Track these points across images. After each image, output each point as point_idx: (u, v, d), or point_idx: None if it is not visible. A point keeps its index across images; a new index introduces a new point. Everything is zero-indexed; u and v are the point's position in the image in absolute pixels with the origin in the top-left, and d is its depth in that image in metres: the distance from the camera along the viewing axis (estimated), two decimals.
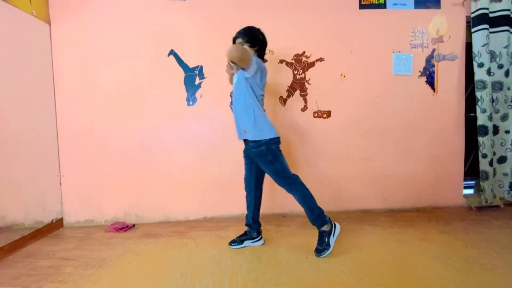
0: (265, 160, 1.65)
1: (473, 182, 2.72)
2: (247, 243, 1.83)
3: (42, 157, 2.19)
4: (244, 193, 1.89)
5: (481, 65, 2.39)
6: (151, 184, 2.35)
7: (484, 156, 2.45)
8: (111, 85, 2.30)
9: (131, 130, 2.33)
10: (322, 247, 1.65)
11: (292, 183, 1.68)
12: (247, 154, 1.79)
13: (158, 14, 2.29)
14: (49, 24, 2.21)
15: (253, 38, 1.72)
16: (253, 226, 1.84)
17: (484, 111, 2.42)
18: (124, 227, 2.20)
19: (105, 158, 2.32)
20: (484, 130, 2.43)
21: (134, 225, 2.29)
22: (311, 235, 1.96)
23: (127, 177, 2.34)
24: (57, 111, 2.28)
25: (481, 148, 2.46)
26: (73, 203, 2.32)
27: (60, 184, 2.30)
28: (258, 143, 1.63)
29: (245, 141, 1.73)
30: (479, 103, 2.42)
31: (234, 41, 1.74)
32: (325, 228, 1.67)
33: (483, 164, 2.47)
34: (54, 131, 2.27)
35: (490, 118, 2.43)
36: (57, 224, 2.26)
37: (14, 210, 2.10)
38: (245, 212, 1.89)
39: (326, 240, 1.65)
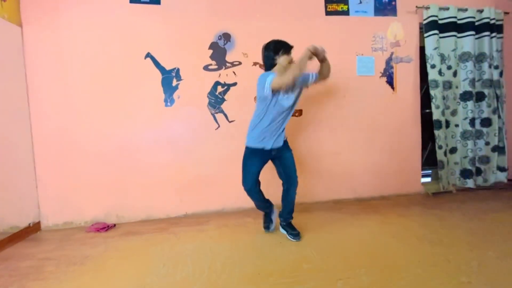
0: None
1: (430, 171, 3.04)
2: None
3: (17, 161, 2.16)
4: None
5: (433, 66, 2.69)
6: (131, 184, 2.40)
7: (440, 147, 2.75)
8: (87, 87, 2.32)
9: (109, 131, 2.37)
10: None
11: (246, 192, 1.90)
12: None
13: (133, 17, 2.35)
14: (21, 27, 2.20)
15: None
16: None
17: (438, 107, 2.72)
18: (105, 227, 2.23)
19: (83, 159, 2.34)
20: (438, 124, 2.73)
21: (115, 225, 2.33)
22: None
23: (107, 178, 2.37)
24: (31, 114, 2.26)
25: (437, 140, 2.76)
26: (50, 206, 2.31)
27: (37, 187, 2.29)
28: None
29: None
30: (434, 100, 2.72)
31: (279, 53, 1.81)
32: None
33: (440, 155, 2.76)
34: (29, 134, 2.26)
35: (443, 113, 2.73)
36: (34, 228, 2.24)
37: None
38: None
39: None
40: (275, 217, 2.02)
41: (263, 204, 1.97)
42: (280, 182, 1.96)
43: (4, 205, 2.07)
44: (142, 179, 2.42)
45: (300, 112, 2.63)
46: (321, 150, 2.68)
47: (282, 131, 1.86)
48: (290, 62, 1.80)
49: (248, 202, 2.43)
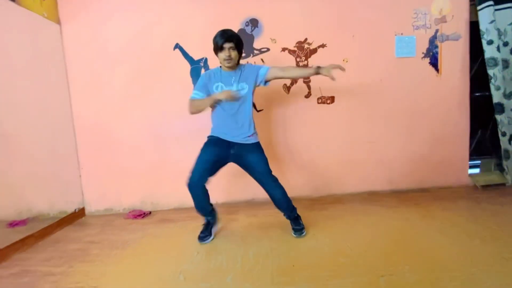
0: None
1: (479, 161, 2.75)
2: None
3: (62, 151, 2.33)
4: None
5: (490, 42, 2.37)
6: (165, 173, 2.48)
7: (504, 134, 2.45)
8: (121, 81, 2.41)
9: (143, 123, 2.45)
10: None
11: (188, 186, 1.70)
12: None
13: (163, 9, 2.36)
14: (59, 24, 2.31)
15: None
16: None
17: (498, 88, 2.40)
18: (142, 214, 2.34)
19: (120, 150, 2.45)
20: (500, 108, 2.42)
21: (150, 212, 2.43)
22: (316, 216, 2.07)
23: (142, 168, 2.47)
24: (73, 107, 2.40)
25: (499, 127, 2.46)
26: (93, 193, 2.47)
27: (80, 176, 2.45)
28: None
29: None
30: (493, 80, 2.40)
31: (226, 44, 1.63)
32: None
33: (504, 143, 2.46)
34: (71, 127, 2.41)
35: (505, 95, 2.41)
36: (80, 213, 2.42)
37: (39, 203, 2.24)
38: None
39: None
40: (215, 231, 1.84)
41: (205, 207, 1.76)
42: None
43: (54, 192, 2.26)
44: (174, 168, 2.47)
45: (332, 99, 2.49)
46: (354, 138, 2.53)
47: (244, 125, 1.71)
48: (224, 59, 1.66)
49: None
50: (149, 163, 2.46)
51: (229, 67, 1.70)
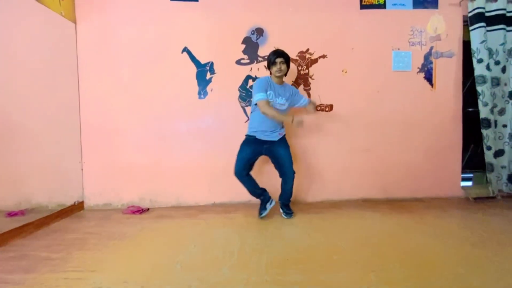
0: None
1: (471, 174, 2.82)
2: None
3: (66, 146, 2.38)
4: None
5: (480, 60, 2.50)
6: (165, 171, 2.53)
7: (489, 148, 2.54)
8: (130, 80, 2.50)
9: (147, 121, 2.52)
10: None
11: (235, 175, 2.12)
12: None
13: (173, 14, 2.49)
14: (75, 23, 2.43)
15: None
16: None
17: (485, 104, 2.51)
18: (140, 210, 2.37)
19: (122, 147, 2.51)
20: (487, 123, 2.53)
21: (148, 209, 2.46)
22: (312, 218, 2.12)
23: (143, 165, 2.52)
24: (81, 103, 2.48)
25: (485, 141, 2.55)
26: (93, 187, 2.51)
27: (82, 170, 2.50)
28: None
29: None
30: (481, 97, 2.52)
31: (277, 59, 2.03)
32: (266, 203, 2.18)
33: (488, 156, 2.55)
34: (78, 121, 2.48)
35: (492, 111, 2.52)
36: (79, 206, 2.45)
37: (39, 194, 2.27)
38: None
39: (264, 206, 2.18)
40: (270, 207, 2.17)
41: (254, 191, 2.16)
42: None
43: (54, 185, 2.29)
44: (175, 167, 2.53)
45: (330, 107, 2.58)
46: (351, 146, 2.61)
47: (277, 128, 2.12)
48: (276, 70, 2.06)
49: (274, 196, 2.46)
50: (150, 161, 2.52)
51: (278, 77, 2.08)
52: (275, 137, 2.11)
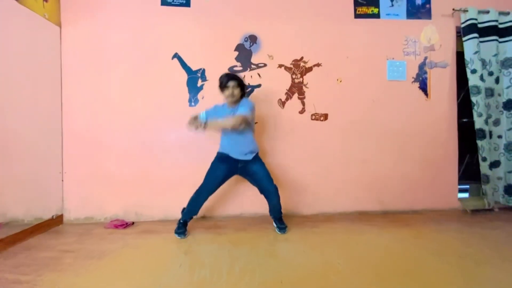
0: None
1: (468, 186, 2.77)
2: None
3: (46, 154, 2.23)
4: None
5: (474, 71, 2.49)
6: (151, 183, 2.39)
7: (484, 159, 2.50)
8: (116, 86, 2.39)
9: (134, 130, 2.40)
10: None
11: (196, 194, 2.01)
12: None
13: (163, 19, 2.41)
14: (60, 27, 2.33)
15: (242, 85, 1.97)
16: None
17: (480, 115, 2.49)
18: (124, 224, 2.22)
19: (107, 157, 2.37)
20: (482, 134, 2.50)
21: (133, 223, 2.31)
22: (307, 233, 2.01)
23: (128, 176, 2.38)
24: (63, 110, 2.35)
25: (480, 152, 2.51)
26: (74, 200, 2.35)
27: (62, 181, 2.34)
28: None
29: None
30: (475, 107, 2.50)
31: (226, 84, 1.91)
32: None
33: (484, 168, 2.51)
34: (59, 130, 2.34)
35: (486, 122, 2.50)
36: (57, 221, 2.28)
37: (15, 207, 2.11)
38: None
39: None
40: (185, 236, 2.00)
41: (196, 212, 2.01)
42: None
43: (30, 197, 2.13)
44: (162, 179, 2.40)
45: (325, 116, 2.52)
46: (346, 157, 2.53)
47: (248, 143, 1.96)
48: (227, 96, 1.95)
49: (267, 208, 2.35)
50: (135, 172, 2.38)
51: (232, 102, 1.94)
52: (247, 154, 1.96)
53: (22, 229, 1.97)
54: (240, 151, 1.95)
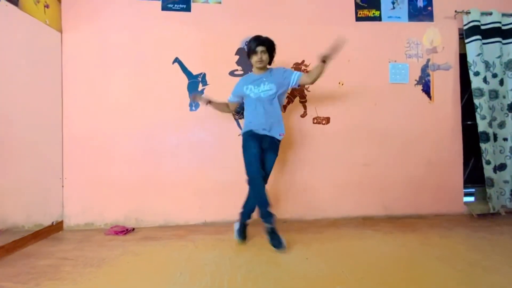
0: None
1: (473, 189, 2.72)
2: None
3: (47, 160, 2.22)
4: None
5: (477, 73, 2.46)
6: (152, 189, 2.37)
7: (488, 162, 2.46)
8: (117, 92, 2.38)
9: (135, 135, 2.39)
10: (278, 241, 1.74)
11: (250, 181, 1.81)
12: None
13: (164, 24, 2.41)
14: (61, 32, 2.33)
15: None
16: None
17: (483, 117, 2.45)
18: (124, 231, 2.19)
19: (108, 162, 2.36)
20: (485, 137, 2.46)
21: (133, 229, 2.28)
22: (311, 239, 1.97)
23: (129, 181, 2.36)
24: (64, 116, 2.34)
25: (484, 155, 2.47)
26: (74, 206, 2.33)
27: (63, 186, 2.32)
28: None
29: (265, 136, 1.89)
30: (478, 110, 2.46)
31: (254, 48, 1.84)
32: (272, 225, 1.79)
33: (488, 171, 2.47)
34: (60, 135, 2.33)
35: (490, 125, 2.46)
36: (57, 227, 2.26)
37: (15, 213, 2.09)
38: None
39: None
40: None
41: (266, 200, 1.76)
42: None
43: (31, 203, 2.11)
44: (163, 183, 2.38)
45: (327, 120, 2.50)
46: (349, 160, 2.50)
47: (273, 122, 1.85)
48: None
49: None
50: (136, 177, 2.36)
51: (260, 69, 1.87)
52: (273, 132, 1.86)
53: (22, 235, 1.95)
54: (267, 124, 1.83)
